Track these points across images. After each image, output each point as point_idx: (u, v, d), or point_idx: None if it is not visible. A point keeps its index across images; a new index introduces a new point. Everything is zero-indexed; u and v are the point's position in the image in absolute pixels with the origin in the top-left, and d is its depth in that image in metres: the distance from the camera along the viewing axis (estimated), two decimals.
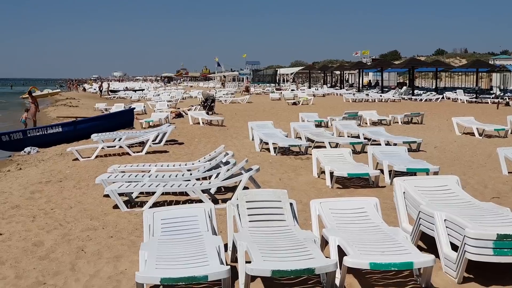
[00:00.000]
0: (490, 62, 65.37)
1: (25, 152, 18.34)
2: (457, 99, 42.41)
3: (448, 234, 6.20)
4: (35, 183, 11.97)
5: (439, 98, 43.39)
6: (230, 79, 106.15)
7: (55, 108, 42.91)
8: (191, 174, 10.93)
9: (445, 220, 6.26)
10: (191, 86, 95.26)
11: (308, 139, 16.65)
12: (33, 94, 67.92)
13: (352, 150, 13.69)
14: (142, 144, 16.58)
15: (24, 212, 9.43)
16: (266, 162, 13.92)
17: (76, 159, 15.11)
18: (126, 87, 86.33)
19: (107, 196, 9.94)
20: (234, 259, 6.48)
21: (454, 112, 28.89)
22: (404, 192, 7.43)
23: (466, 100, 40.94)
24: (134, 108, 26.48)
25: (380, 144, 15.33)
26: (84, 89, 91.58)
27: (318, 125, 21.40)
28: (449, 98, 44.19)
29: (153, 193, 9.56)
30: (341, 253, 5.77)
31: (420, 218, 6.71)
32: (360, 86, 63.07)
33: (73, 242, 7.64)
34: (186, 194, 10.20)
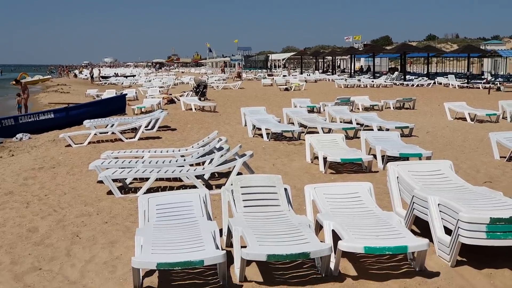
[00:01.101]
0: (481, 47, 65.59)
1: (17, 138, 18.26)
2: (449, 84, 42.47)
3: (441, 218, 6.26)
4: (28, 170, 11.94)
5: (430, 83, 43.44)
6: (222, 64, 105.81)
7: (47, 94, 42.71)
8: (184, 160, 10.93)
9: (438, 204, 6.31)
10: (182, 72, 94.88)
11: (301, 125, 16.66)
12: (23, 81, 67.58)
13: (345, 135, 13.72)
14: (134, 130, 16.56)
15: (18, 199, 9.42)
16: (259, 147, 13.93)
17: (69, 145, 15.07)
18: (115, 73, 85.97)
19: (100, 182, 9.93)
20: (229, 244, 6.52)
21: (445, 97, 28.99)
22: (397, 177, 7.47)
23: (458, 85, 40.99)
24: (126, 94, 26.36)
25: (372, 130, 15.37)
26: (75, 75, 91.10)
27: (311, 110, 21.40)
28: (440, 84, 44.24)
29: (147, 179, 9.56)
30: (336, 238, 5.82)
31: (413, 202, 6.76)
32: (352, 71, 63.05)
33: (68, 228, 7.65)
34: (180, 180, 10.20)
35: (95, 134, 15.90)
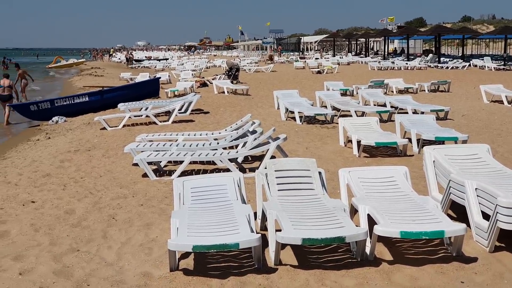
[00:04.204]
0: None
1: (53, 121, 18.54)
2: (485, 66, 41.67)
3: (479, 203, 6.17)
4: (64, 152, 12.12)
5: (465, 65, 42.71)
6: (254, 47, 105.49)
7: (81, 78, 43.15)
8: (218, 143, 10.97)
9: (476, 189, 6.22)
10: (214, 55, 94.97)
11: (334, 108, 16.57)
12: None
13: (379, 118, 13.57)
14: (168, 113, 16.67)
15: (55, 181, 9.57)
16: (292, 131, 13.90)
17: (104, 128, 15.27)
18: (145, 56, 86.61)
19: (136, 165, 10.03)
20: (264, 227, 6.54)
21: (481, 79, 28.48)
22: (434, 161, 7.38)
23: (494, 68, 40.21)
24: (160, 78, 26.50)
25: (407, 113, 15.19)
26: (110, 55, 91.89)
27: (344, 93, 21.27)
28: (476, 66, 43.48)
29: (181, 162, 9.62)
30: (371, 222, 5.79)
31: (450, 187, 6.67)
32: (386, 53, 62.33)
33: (104, 210, 7.75)
34: (213, 163, 10.24)
35: (129, 117, 16.05)
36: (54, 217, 7.48)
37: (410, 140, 11.37)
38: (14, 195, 8.64)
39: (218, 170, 9.80)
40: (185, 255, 5.86)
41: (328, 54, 71.80)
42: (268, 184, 6.83)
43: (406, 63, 44.32)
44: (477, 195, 6.20)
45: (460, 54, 58.67)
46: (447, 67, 42.65)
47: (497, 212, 5.62)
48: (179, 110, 16.70)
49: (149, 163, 9.62)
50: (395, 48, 76.10)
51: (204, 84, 27.66)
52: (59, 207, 7.97)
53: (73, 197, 8.46)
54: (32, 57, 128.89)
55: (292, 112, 15.85)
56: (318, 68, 40.81)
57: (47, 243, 6.50)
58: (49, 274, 5.59)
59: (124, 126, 15.45)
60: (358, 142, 10.97)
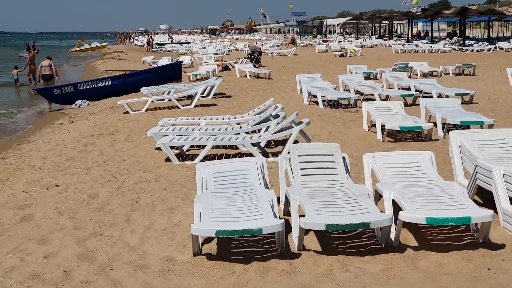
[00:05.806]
0: None
1: (76, 105, 18.62)
2: (511, 49, 41.01)
3: (506, 189, 6.06)
4: (87, 136, 12.18)
5: (491, 48, 42.05)
6: (276, 30, 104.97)
7: (104, 62, 43.32)
8: (240, 128, 10.92)
9: (504, 174, 6.10)
10: (237, 39, 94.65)
11: (357, 92, 16.38)
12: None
13: (403, 102, 13.41)
14: (190, 97, 16.64)
15: (78, 165, 9.61)
16: (315, 115, 13.79)
17: (127, 112, 15.30)
18: (169, 34, 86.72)
19: (158, 149, 10.01)
20: (287, 212, 6.50)
21: (507, 62, 28.01)
22: (460, 146, 7.26)
23: None
24: (182, 62, 26.47)
25: (432, 97, 14.98)
26: (130, 40, 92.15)
27: (367, 77, 21.00)
28: (502, 48, 42.80)
29: (204, 146, 9.60)
30: (396, 208, 5.71)
31: (477, 172, 6.56)
32: (409, 36, 61.62)
33: (127, 194, 7.76)
34: (236, 148, 10.21)
35: (152, 101, 16.05)
36: (78, 201, 7.52)
37: (435, 124, 11.21)
38: (39, 179, 8.70)
39: (241, 155, 9.77)
40: (208, 240, 5.84)
41: (351, 37, 71.17)
42: (291, 169, 6.77)
43: (431, 46, 43.84)
44: (505, 181, 6.08)
45: (485, 37, 57.77)
46: (472, 50, 42.07)
47: None
48: (201, 94, 16.66)
49: (172, 147, 9.61)
50: (419, 31, 75.23)
51: (226, 68, 27.59)
52: (82, 191, 8.01)
53: (96, 181, 8.49)
54: (56, 41, 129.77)
55: (315, 96, 15.71)
56: (341, 51, 40.48)
57: (70, 227, 6.53)
58: (73, 258, 5.61)
59: (147, 110, 15.47)
60: (382, 127, 10.85)
